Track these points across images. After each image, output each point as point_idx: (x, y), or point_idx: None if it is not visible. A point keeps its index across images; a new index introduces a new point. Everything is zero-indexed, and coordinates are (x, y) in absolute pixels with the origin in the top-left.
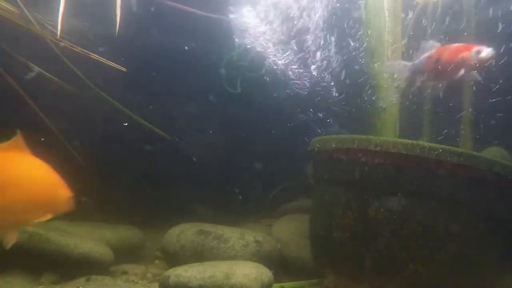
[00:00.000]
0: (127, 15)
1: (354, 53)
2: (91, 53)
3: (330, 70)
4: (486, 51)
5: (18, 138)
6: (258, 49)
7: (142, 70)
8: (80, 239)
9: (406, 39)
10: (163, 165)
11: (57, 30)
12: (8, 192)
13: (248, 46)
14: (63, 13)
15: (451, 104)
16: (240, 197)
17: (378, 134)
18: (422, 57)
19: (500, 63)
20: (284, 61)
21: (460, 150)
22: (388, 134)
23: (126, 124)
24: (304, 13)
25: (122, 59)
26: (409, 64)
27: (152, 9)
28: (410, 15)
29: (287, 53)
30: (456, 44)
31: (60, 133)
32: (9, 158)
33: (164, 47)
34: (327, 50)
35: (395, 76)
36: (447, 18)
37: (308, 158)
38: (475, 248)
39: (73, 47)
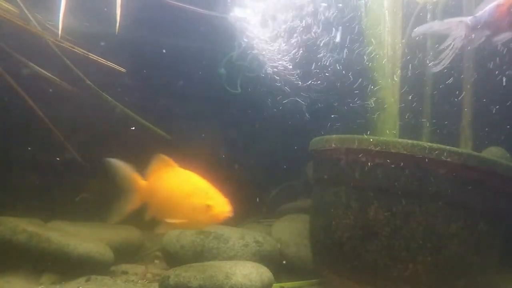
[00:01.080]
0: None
1: (354, 53)
2: (91, 54)
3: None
4: None
5: (162, 157)
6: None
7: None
8: (80, 239)
9: (406, 39)
10: None
11: (57, 29)
12: (165, 200)
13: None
14: (64, 13)
15: (451, 104)
16: (258, 199)
17: (378, 134)
18: (487, 7)
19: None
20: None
21: (460, 150)
22: (388, 134)
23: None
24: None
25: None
26: (466, 19)
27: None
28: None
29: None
30: None
31: (61, 135)
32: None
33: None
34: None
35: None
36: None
37: (308, 158)
38: (475, 248)
39: (74, 47)
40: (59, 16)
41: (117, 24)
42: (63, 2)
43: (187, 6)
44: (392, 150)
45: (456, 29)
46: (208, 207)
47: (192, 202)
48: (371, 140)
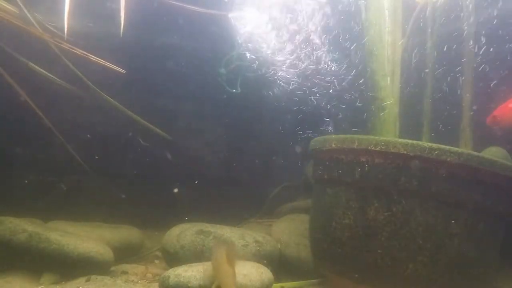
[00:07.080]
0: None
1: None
2: (91, 55)
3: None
4: None
5: None
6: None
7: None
8: (80, 239)
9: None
10: (163, 165)
11: (58, 30)
12: None
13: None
14: (69, 15)
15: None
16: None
17: (378, 134)
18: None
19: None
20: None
21: (460, 150)
22: (388, 134)
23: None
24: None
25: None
26: None
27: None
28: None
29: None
30: None
31: (59, 133)
32: None
33: None
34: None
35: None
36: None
37: (308, 158)
38: (475, 248)
39: (73, 48)
40: (60, 16)
41: (122, 26)
42: (67, 4)
43: None
44: (392, 150)
45: None
46: None
47: None
48: (371, 140)
